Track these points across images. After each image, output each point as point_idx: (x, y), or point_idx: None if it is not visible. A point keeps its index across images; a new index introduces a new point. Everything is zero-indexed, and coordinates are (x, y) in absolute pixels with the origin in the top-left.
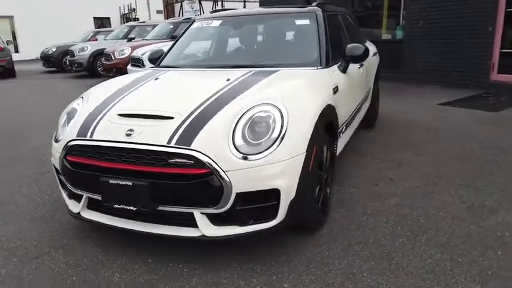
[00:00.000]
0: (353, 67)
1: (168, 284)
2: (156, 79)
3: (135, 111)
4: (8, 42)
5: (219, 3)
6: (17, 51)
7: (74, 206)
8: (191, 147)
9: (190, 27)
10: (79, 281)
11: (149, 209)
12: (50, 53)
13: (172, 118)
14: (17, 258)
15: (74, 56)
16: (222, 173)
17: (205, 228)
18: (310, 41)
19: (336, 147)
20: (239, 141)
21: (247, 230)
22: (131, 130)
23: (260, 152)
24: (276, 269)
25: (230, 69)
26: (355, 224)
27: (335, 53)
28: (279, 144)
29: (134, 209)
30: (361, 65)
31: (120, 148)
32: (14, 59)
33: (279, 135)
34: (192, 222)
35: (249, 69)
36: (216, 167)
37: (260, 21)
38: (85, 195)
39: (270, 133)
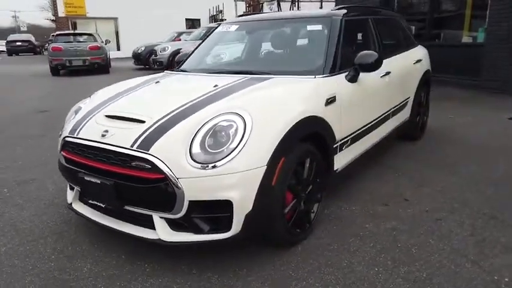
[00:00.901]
0: (372, 76)
1: (125, 281)
2: (157, 82)
3: (118, 113)
4: (106, 41)
5: (296, 4)
6: (118, 49)
7: (69, 197)
8: (149, 152)
9: (214, 32)
10: (54, 267)
11: (115, 207)
12: (139, 52)
13: (143, 122)
14: (19, 239)
15: (157, 55)
16: (174, 180)
17: (163, 232)
18: (317, 48)
19: (333, 162)
20: (196, 149)
21: (202, 238)
22: (106, 131)
23: (215, 162)
24: (230, 282)
25: (230, 74)
26: (337, 245)
27: (348, 60)
28: (236, 155)
29: (103, 205)
30: (387, 74)
31: (94, 147)
32: (116, 56)
33: (237, 146)
34: (152, 225)
35: (244, 75)
36: (170, 173)
37: (274, 26)
38: (76, 187)
39: (228, 143)
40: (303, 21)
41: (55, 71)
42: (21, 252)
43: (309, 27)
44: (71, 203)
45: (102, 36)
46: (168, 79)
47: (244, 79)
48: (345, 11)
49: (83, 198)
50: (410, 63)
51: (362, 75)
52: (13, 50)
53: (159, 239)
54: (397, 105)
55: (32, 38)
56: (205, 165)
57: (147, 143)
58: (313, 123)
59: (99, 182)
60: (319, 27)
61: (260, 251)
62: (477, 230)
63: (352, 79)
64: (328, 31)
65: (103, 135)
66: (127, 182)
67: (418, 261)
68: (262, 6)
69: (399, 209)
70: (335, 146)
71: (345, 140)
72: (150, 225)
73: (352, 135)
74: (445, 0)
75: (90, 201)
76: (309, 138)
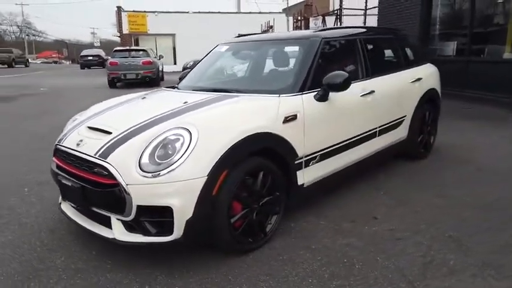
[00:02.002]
0: (349, 95)
1: (87, 274)
2: (143, 98)
3: (96, 125)
4: (160, 56)
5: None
6: (175, 63)
7: (60, 198)
8: (106, 160)
9: (211, 52)
10: (35, 257)
11: (83, 208)
12: (188, 66)
13: (110, 133)
14: (19, 232)
15: None
16: (124, 186)
17: (118, 232)
18: (289, 68)
19: (295, 177)
20: (145, 160)
21: (149, 240)
22: (81, 140)
23: (159, 171)
24: (173, 282)
25: (206, 92)
26: (286, 256)
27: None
28: (178, 166)
29: (75, 206)
30: (370, 93)
31: (71, 154)
32: (172, 70)
33: (180, 158)
34: (111, 225)
35: (217, 93)
36: (120, 179)
37: (258, 47)
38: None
39: (173, 155)
40: (283, 42)
41: (112, 83)
42: (16, 243)
43: (287, 49)
44: (60, 203)
45: (160, 51)
46: (154, 95)
47: (213, 97)
48: (327, 32)
49: None
50: (405, 82)
51: (338, 94)
52: (85, 64)
53: (114, 238)
54: (386, 124)
55: (102, 53)
56: (151, 174)
57: (107, 152)
58: (265, 139)
59: (70, 184)
60: (296, 48)
61: (212, 256)
62: (431, 252)
63: (321, 98)
64: (303, 52)
65: (77, 144)
66: (90, 185)
67: (355, 276)
68: (308, 21)
69: (365, 226)
70: (298, 161)
71: (312, 156)
72: (110, 226)
73: (322, 152)
74: (487, 14)
75: (66, 201)
76: (262, 153)
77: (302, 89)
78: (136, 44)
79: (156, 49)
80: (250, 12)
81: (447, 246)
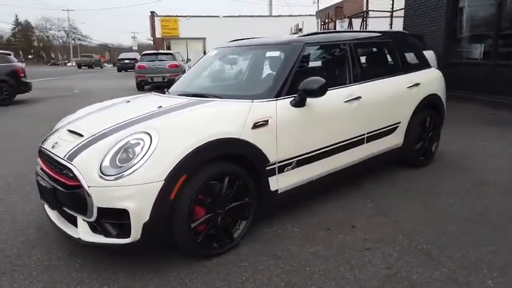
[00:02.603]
0: (331, 101)
1: (56, 271)
2: (128, 102)
3: (74, 128)
4: (187, 59)
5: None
6: None
7: None
8: (72, 162)
9: (203, 56)
10: (16, 253)
11: (55, 208)
12: None
13: (82, 136)
14: (10, 228)
15: None
16: (86, 188)
17: (82, 232)
18: (267, 74)
19: (267, 183)
20: (106, 163)
21: (110, 241)
22: (56, 143)
23: (118, 175)
24: (131, 283)
25: (187, 97)
26: (249, 262)
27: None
28: (136, 170)
29: (48, 205)
30: (356, 98)
31: (48, 155)
32: None
33: (138, 162)
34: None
35: (193, 98)
36: (83, 181)
37: (243, 52)
38: None
39: (133, 159)
40: (266, 47)
41: (140, 86)
42: (3, 238)
43: (268, 54)
44: (43, 203)
45: (191, 54)
46: (138, 99)
47: (187, 102)
48: (312, 37)
49: None
50: (400, 87)
51: (317, 100)
52: (121, 67)
53: (79, 238)
54: (377, 130)
55: (138, 56)
56: (110, 177)
57: (74, 154)
58: (230, 144)
59: (44, 185)
60: (277, 53)
61: (178, 259)
62: (398, 264)
63: (298, 104)
64: (284, 57)
65: (53, 146)
66: (59, 186)
67: (310, 286)
68: (335, 23)
69: (339, 235)
70: (270, 167)
71: (287, 162)
72: (76, 225)
73: (299, 158)
74: None
75: (43, 201)
76: (228, 158)
77: (278, 95)
78: (169, 47)
79: (187, 53)
80: (280, 16)
81: (417, 259)
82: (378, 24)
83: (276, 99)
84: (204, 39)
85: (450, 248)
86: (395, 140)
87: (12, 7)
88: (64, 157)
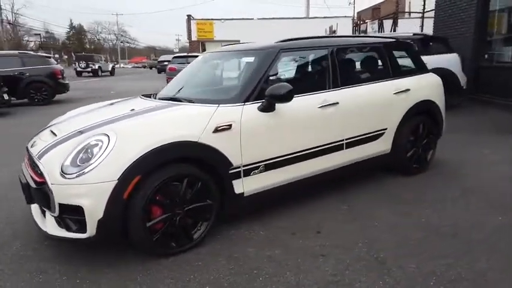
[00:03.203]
0: (303, 106)
1: (27, 261)
2: (111, 104)
3: (54, 129)
4: None
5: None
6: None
7: None
8: (40, 161)
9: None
10: None
11: (29, 202)
12: None
13: (56, 136)
14: (7, 219)
15: None
16: (49, 185)
17: (49, 226)
18: (239, 79)
19: (231, 186)
20: (67, 162)
21: (70, 235)
22: (35, 142)
23: (75, 173)
24: (86, 276)
25: (162, 101)
26: (202, 262)
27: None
28: (91, 169)
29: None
30: (333, 104)
31: (28, 154)
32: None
33: (95, 162)
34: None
35: (166, 102)
36: (47, 179)
37: (223, 58)
38: None
39: (91, 159)
40: (243, 53)
41: None
42: None
43: (244, 59)
44: None
45: None
46: (120, 102)
47: (158, 105)
48: (290, 43)
49: None
50: (387, 93)
51: (289, 105)
52: (161, 69)
53: (46, 232)
54: (358, 136)
55: None
56: (68, 175)
57: (43, 153)
58: (188, 147)
59: (22, 180)
60: (251, 59)
61: (138, 256)
62: (345, 272)
63: (265, 109)
64: (256, 63)
65: (32, 145)
66: (31, 182)
67: (239, 285)
68: (366, 25)
69: (301, 239)
70: (234, 171)
71: (254, 166)
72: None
73: (267, 162)
74: None
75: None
76: (188, 161)
77: (247, 100)
78: (204, 50)
79: None
80: (315, 17)
81: (368, 267)
82: (408, 26)
83: (243, 104)
84: (238, 41)
85: (407, 258)
86: (381, 146)
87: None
88: (36, 155)
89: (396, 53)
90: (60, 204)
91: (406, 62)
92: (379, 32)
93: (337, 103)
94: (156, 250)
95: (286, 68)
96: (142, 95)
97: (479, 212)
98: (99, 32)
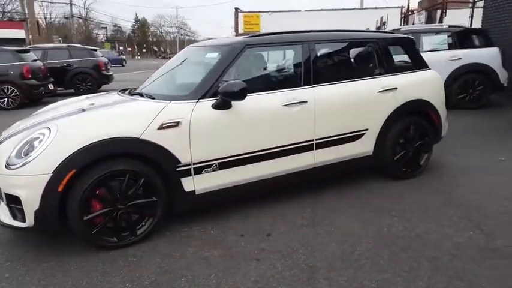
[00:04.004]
0: (266, 104)
1: None
2: (87, 98)
3: (24, 121)
4: None
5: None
6: None
7: None
8: None
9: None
10: None
11: None
12: None
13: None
14: None
15: None
16: None
17: (2, 214)
18: (197, 75)
19: (179, 183)
20: (13, 153)
21: (14, 224)
22: (1, 134)
23: (17, 164)
24: (31, 265)
25: (128, 96)
26: (136, 259)
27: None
28: (30, 161)
29: None
30: (301, 103)
31: None
32: None
33: (33, 155)
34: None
35: (127, 97)
36: None
37: (195, 53)
38: None
39: (32, 152)
40: (209, 49)
41: None
42: None
43: (208, 55)
44: None
45: None
46: (91, 98)
47: (116, 101)
48: (260, 38)
49: None
50: (369, 91)
51: (247, 103)
52: None
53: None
54: (331, 137)
55: None
56: (11, 166)
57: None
58: (129, 143)
59: None
60: (215, 55)
61: (83, 248)
62: (270, 279)
63: (219, 107)
64: (219, 59)
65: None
66: None
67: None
68: (414, 16)
69: (246, 242)
70: (182, 168)
71: (206, 164)
72: None
73: (222, 161)
74: None
75: None
76: (131, 157)
77: (203, 96)
78: None
79: None
80: (365, 8)
81: (295, 276)
82: (458, 16)
83: (197, 101)
84: None
85: (342, 270)
86: (361, 147)
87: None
88: None
89: (393, 49)
90: (5, 194)
91: (405, 58)
92: (426, 23)
93: (306, 102)
94: (96, 243)
95: (254, 65)
96: (119, 90)
97: (449, 227)
98: (161, 25)
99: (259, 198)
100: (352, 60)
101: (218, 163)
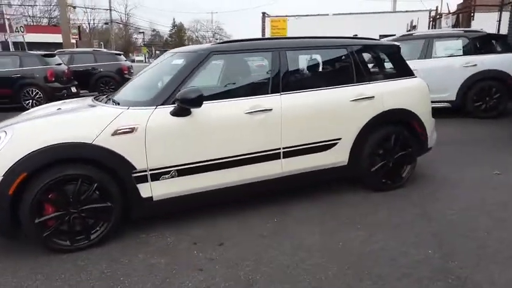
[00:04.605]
0: (226, 111)
1: None
2: (64, 103)
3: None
4: None
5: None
6: None
7: None
8: None
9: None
10: None
11: None
12: None
13: None
14: None
15: None
16: None
17: None
18: (158, 82)
19: (135, 189)
20: None
21: None
22: None
23: None
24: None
25: (97, 102)
26: (85, 262)
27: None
28: None
29: None
30: (265, 110)
31: None
32: None
33: None
34: None
35: (93, 102)
36: None
37: (165, 59)
38: None
39: None
40: (177, 55)
41: None
42: None
43: (174, 62)
44: None
45: None
46: (69, 103)
47: (80, 107)
48: (223, 45)
49: None
50: (341, 100)
51: (209, 110)
52: None
53: None
54: (300, 146)
55: None
56: None
57: None
58: (80, 149)
59: None
60: (180, 61)
61: (41, 252)
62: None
63: (177, 113)
64: (182, 66)
65: None
66: None
67: None
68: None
69: (197, 250)
70: (138, 174)
71: (163, 171)
72: None
73: (180, 168)
74: None
75: None
76: (84, 162)
77: (164, 103)
78: None
79: None
80: (395, 12)
81: (227, 286)
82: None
83: (155, 108)
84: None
85: (279, 284)
86: (334, 157)
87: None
88: None
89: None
90: None
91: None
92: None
93: (271, 110)
94: (47, 245)
95: (219, 72)
96: (94, 96)
97: (410, 244)
98: (197, 29)
99: (227, 206)
100: (325, 68)
101: (176, 170)
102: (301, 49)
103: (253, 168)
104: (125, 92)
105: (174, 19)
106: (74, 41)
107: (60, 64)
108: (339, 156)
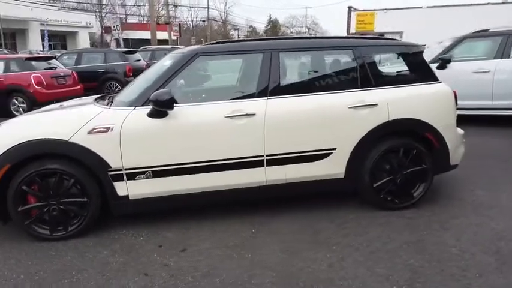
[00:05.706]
0: (205, 114)
1: None
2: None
3: None
4: None
5: None
6: None
7: None
8: None
9: None
10: None
11: None
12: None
13: None
14: None
15: None
16: None
17: None
18: (143, 83)
19: (111, 187)
20: None
21: None
22: None
23: None
24: None
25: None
26: (53, 253)
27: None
28: None
29: None
30: (248, 115)
31: None
32: None
33: None
34: None
35: (91, 101)
36: None
37: (162, 59)
38: None
39: None
40: (168, 56)
41: None
42: None
43: (164, 63)
44: None
45: None
46: (67, 102)
47: (73, 104)
48: (212, 46)
49: None
50: (337, 106)
51: (186, 112)
52: None
53: None
54: (284, 154)
55: None
56: None
57: None
58: (56, 145)
59: None
60: (168, 62)
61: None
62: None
63: (153, 115)
64: (167, 67)
65: None
66: None
67: None
68: None
69: (158, 253)
70: (114, 173)
71: (139, 171)
72: None
73: (155, 169)
74: None
75: None
76: (62, 158)
77: (144, 104)
78: None
79: None
80: (498, 3)
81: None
82: None
83: (134, 108)
84: (401, 33)
85: None
86: (327, 169)
87: (266, 9)
88: None
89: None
90: None
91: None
92: None
93: (253, 114)
94: (28, 232)
95: (205, 73)
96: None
97: (380, 276)
98: (293, 25)
99: (211, 211)
100: (324, 71)
101: (152, 171)
102: (296, 50)
103: (232, 174)
104: (125, 92)
105: (270, 15)
106: (174, 37)
107: (139, 60)
108: (333, 167)
